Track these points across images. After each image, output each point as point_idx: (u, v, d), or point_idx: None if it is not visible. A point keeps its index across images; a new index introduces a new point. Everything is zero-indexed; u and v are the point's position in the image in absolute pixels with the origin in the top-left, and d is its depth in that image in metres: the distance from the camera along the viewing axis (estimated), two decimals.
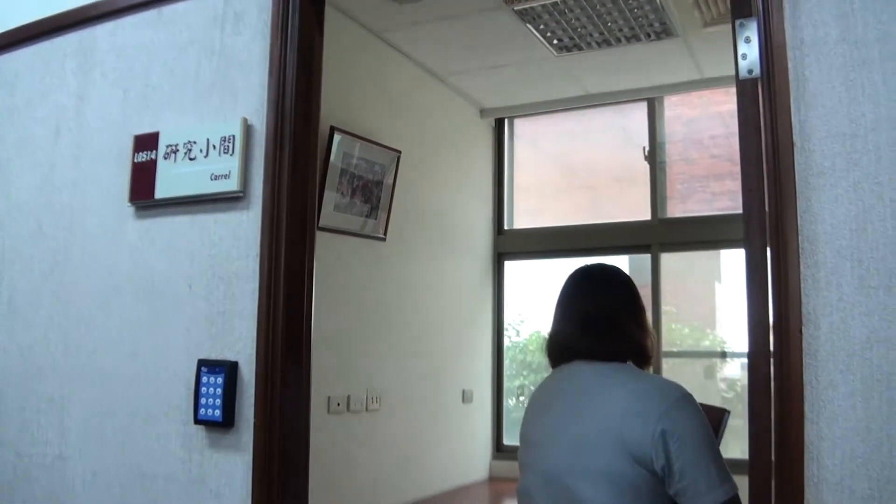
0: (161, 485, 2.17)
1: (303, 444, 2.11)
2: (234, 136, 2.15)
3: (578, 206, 5.51)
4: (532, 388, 5.26)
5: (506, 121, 5.59)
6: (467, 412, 4.89)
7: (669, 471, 1.65)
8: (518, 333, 5.56)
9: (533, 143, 5.69)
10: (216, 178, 2.16)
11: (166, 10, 2.39)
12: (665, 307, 4.97)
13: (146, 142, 2.30)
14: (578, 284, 2.11)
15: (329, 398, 3.70)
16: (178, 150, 2.23)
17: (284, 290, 2.07)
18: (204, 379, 2.10)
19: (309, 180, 2.17)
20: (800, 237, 1.54)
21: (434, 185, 4.76)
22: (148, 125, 2.34)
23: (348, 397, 3.82)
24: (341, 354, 3.79)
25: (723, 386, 4.95)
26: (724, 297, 5.02)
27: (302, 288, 2.12)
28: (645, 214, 5.07)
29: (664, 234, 5.00)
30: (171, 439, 2.18)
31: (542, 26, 4.00)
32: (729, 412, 2.09)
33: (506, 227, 5.52)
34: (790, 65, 1.58)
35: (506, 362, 5.43)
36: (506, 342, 5.46)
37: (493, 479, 5.12)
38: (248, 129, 2.16)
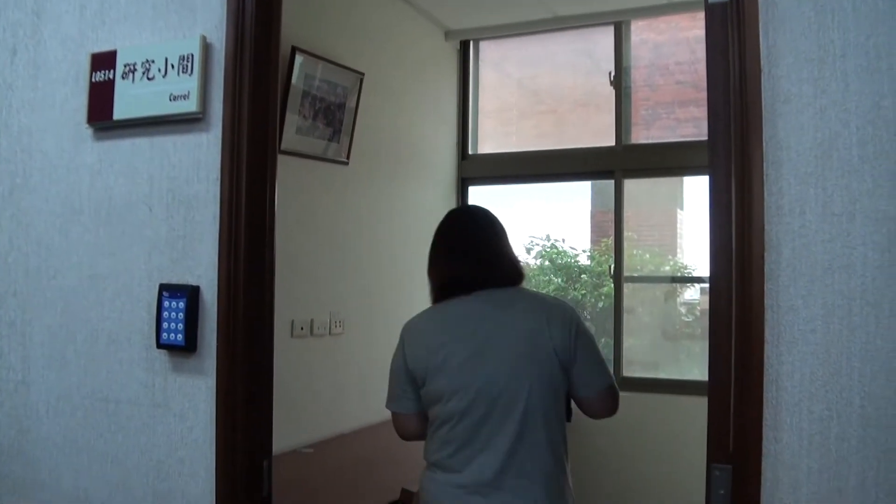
0: (125, 409, 2.17)
1: (266, 368, 2.11)
2: (192, 55, 2.08)
3: (543, 131, 5.48)
4: None
5: (471, 43, 5.51)
6: None
7: (574, 364, 2.09)
8: None
9: (498, 67, 5.63)
10: (175, 98, 2.10)
11: None
12: (627, 233, 5.01)
13: (103, 60, 2.22)
14: (465, 225, 2.34)
15: (292, 322, 3.71)
16: (135, 70, 2.17)
17: (246, 214, 2.04)
18: (166, 303, 2.09)
19: (270, 102, 2.12)
20: (764, 163, 1.54)
21: (398, 109, 4.70)
22: (105, 43, 2.26)
23: (311, 321, 3.83)
24: (305, 279, 3.78)
25: (682, 310, 5.04)
26: (686, 223, 5.08)
27: (264, 212, 2.09)
28: (609, 140, 5.06)
29: (628, 160, 5.00)
30: (133, 364, 2.17)
31: None
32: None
33: (470, 152, 5.49)
34: None
35: None
36: None
37: None
38: (206, 48, 2.09)
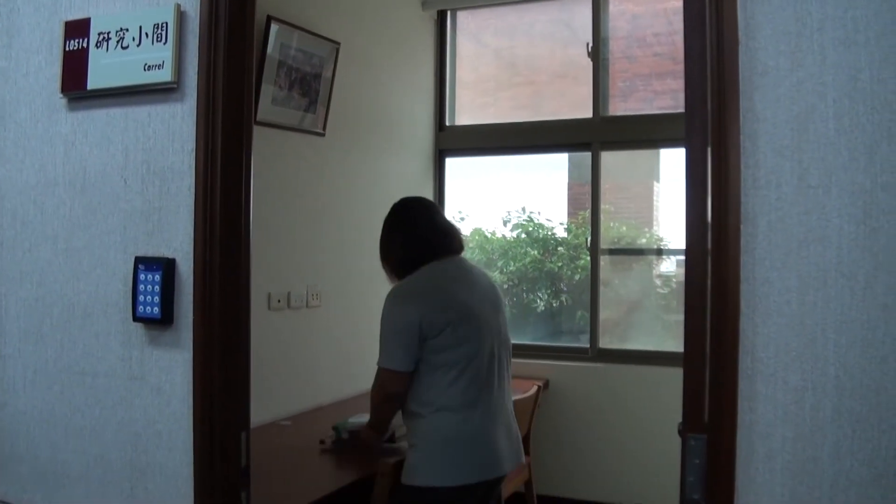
0: (101, 382, 2.16)
1: (243, 341, 2.11)
2: (167, 24, 2.05)
3: (520, 102, 5.47)
4: None
5: (448, 13, 5.46)
6: None
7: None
8: None
9: (475, 37, 5.59)
10: (149, 67, 2.07)
11: None
12: (604, 205, 5.03)
13: (77, 28, 2.19)
14: (418, 206, 2.96)
15: (269, 295, 3.70)
16: (109, 38, 2.13)
17: (221, 185, 2.02)
18: (141, 276, 2.07)
19: (245, 71, 2.10)
20: (741, 136, 1.55)
21: (374, 80, 4.66)
22: (79, 10, 2.22)
23: (289, 294, 3.82)
24: (282, 251, 3.77)
25: (658, 282, 5.07)
26: (663, 195, 5.10)
27: (240, 183, 2.08)
28: (586, 112, 5.06)
29: (605, 132, 5.00)
30: (109, 337, 2.16)
31: None
32: None
33: (447, 124, 5.47)
34: None
35: None
36: None
37: None
38: (181, 16, 2.06)
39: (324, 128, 4.08)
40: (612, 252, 5.07)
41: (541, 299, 5.31)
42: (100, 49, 2.15)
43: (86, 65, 2.17)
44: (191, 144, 2.05)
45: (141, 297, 2.07)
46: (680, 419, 1.64)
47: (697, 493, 1.58)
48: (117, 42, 2.12)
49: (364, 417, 3.05)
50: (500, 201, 5.49)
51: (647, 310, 5.08)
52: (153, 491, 2.10)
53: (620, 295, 5.11)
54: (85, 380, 2.19)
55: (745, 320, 1.54)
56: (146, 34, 2.08)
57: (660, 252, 5.07)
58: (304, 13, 3.85)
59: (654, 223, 5.14)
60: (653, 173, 5.21)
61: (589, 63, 5.03)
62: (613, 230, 5.13)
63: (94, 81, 2.16)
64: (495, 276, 5.33)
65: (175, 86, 2.07)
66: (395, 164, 4.91)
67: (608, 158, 5.05)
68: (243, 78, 2.09)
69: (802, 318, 1.49)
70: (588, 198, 5.06)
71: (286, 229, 3.81)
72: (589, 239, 5.01)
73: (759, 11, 1.54)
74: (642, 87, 5.04)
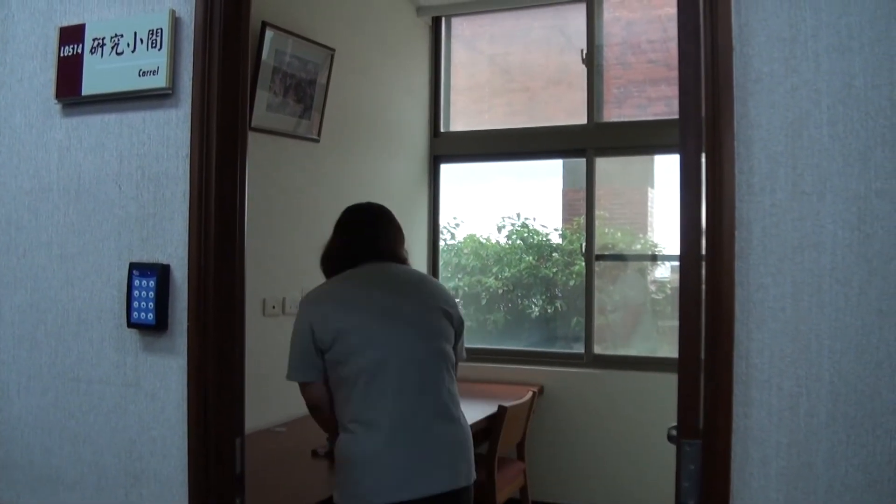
0: (96, 388, 2.15)
1: (237, 347, 2.10)
2: (161, 30, 2.05)
3: (515, 108, 5.48)
4: (466, 289, 5.33)
5: (443, 20, 5.48)
6: None
7: (459, 331, 2.60)
8: (453, 236, 5.59)
9: (470, 43, 5.60)
10: (144, 73, 2.07)
11: None
12: (598, 211, 5.04)
13: (72, 34, 2.18)
14: (358, 213, 2.82)
15: (264, 301, 3.69)
16: (104, 44, 2.13)
17: (216, 191, 2.02)
18: (136, 282, 2.07)
19: (240, 77, 2.10)
20: (735, 142, 1.55)
21: (369, 86, 4.67)
22: (73, 16, 2.22)
23: (283, 300, 3.82)
24: (276, 257, 3.77)
25: (653, 288, 5.08)
26: (657, 201, 5.11)
27: (234, 189, 2.07)
28: (581, 118, 5.07)
29: (599, 139, 5.02)
30: (104, 343, 2.15)
31: None
32: None
33: (442, 130, 5.48)
34: None
35: (440, 265, 5.47)
36: (441, 245, 5.49)
37: None
38: (176, 22, 2.06)
39: (318, 134, 4.08)
40: (606, 258, 5.08)
41: (535, 305, 5.32)
42: (94, 55, 2.15)
43: (80, 71, 2.16)
44: (185, 150, 2.05)
45: (135, 303, 2.06)
46: (672, 425, 1.65)
47: (692, 498, 1.58)
48: (112, 48, 2.12)
49: None
50: (495, 207, 5.50)
51: (642, 315, 5.09)
52: (147, 497, 2.09)
53: (615, 301, 5.12)
54: (79, 386, 2.18)
55: (739, 326, 1.54)
56: (141, 40, 2.08)
57: (654, 258, 5.08)
58: (298, 20, 3.86)
59: (649, 229, 5.15)
60: (647, 179, 5.22)
61: (583, 69, 5.04)
62: (608, 236, 5.14)
63: (88, 87, 2.16)
64: (490, 282, 5.33)
65: (170, 92, 2.07)
66: (389, 170, 4.91)
67: (603, 164, 5.07)
68: (238, 84, 2.09)
69: (797, 324, 1.49)
70: (583, 204, 5.07)
71: (281, 235, 3.81)
72: (584, 245, 5.02)
73: (754, 18, 1.55)
74: (637, 94, 5.05)
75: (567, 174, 5.41)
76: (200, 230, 2.01)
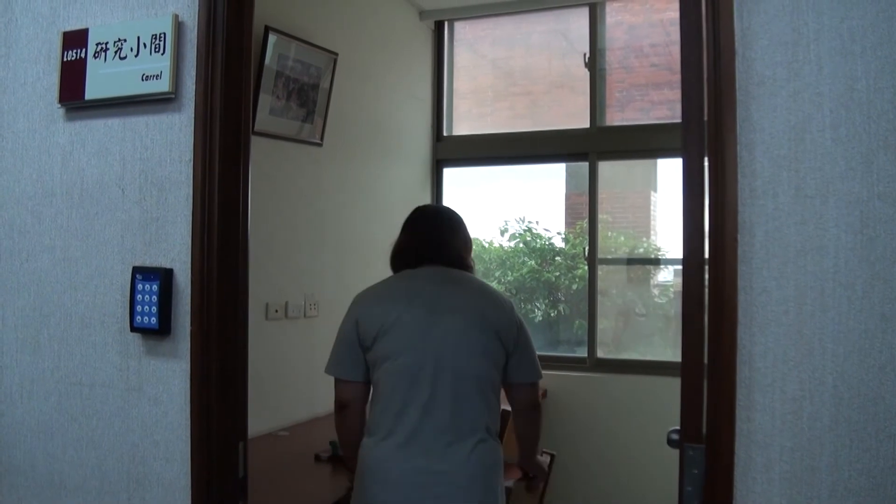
0: (98, 392, 2.16)
1: (240, 351, 2.10)
2: (164, 34, 2.06)
3: (517, 112, 5.48)
4: None
5: (446, 24, 5.48)
6: None
7: (514, 350, 2.39)
8: None
9: (473, 47, 5.61)
10: (147, 78, 2.07)
11: None
12: (601, 215, 5.03)
13: (75, 39, 2.19)
14: (427, 214, 2.69)
15: (267, 305, 3.69)
16: (107, 49, 2.13)
17: (219, 195, 2.02)
18: (139, 286, 2.07)
19: (243, 82, 2.10)
20: (738, 146, 1.55)
21: (372, 90, 4.67)
22: (77, 21, 2.23)
23: (286, 304, 3.82)
24: (279, 261, 3.77)
25: (655, 292, 5.08)
26: (660, 205, 5.10)
27: (237, 194, 2.08)
28: (583, 122, 5.07)
29: (602, 142, 5.02)
30: (107, 347, 2.15)
31: None
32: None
33: (445, 134, 5.48)
34: None
35: None
36: None
37: None
38: (179, 27, 2.07)
39: (321, 138, 4.08)
40: (609, 262, 5.08)
41: (538, 309, 5.31)
42: (98, 59, 2.15)
43: (84, 75, 2.17)
44: (188, 154, 2.05)
45: (138, 308, 2.07)
46: (671, 429, 1.65)
47: (696, 502, 1.58)
48: (115, 52, 2.12)
49: None
50: (498, 211, 5.50)
51: (645, 319, 5.08)
52: (150, 501, 2.09)
53: (618, 304, 5.11)
54: (82, 390, 2.18)
55: (742, 330, 1.53)
56: (144, 45, 2.08)
57: (657, 261, 5.07)
58: (301, 24, 3.86)
59: (652, 233, 5.15)
60: (650, 183, 5.22)
61: (586, 73, 5.04)
62: (611, 240, 5.13)
63: (91, 92, 2.16)
64: (493, 285, 5.33)
65: (173, 96, 2.07)
66: (392, 174, 4.91)
67: (605, 168, 5.06)
68: (241, 88, 2.09)
69: (800, 328, 1.49)
70: (585, 207, 5.07)
71: (284, 239, 3.81)
72: (587, 248, 5.02)
73: (756, 22, 1.55)
74: (639, 98, 5.05)
75: (570, 178, 5.42)
76: (203, 234, 2.01)
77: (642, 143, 4.91)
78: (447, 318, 2.33)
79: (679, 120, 1.66)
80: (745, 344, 1.53)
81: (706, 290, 1.58)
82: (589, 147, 5.03)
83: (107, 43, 2.14)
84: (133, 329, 2.09)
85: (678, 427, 1.64)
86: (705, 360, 1.57)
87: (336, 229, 4.25)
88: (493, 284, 5.30)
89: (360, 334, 2.36)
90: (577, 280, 5.17)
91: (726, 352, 1.53)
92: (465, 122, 5.55)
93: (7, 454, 2.29)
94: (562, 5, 5.15)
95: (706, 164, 1.59)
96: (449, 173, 5.49)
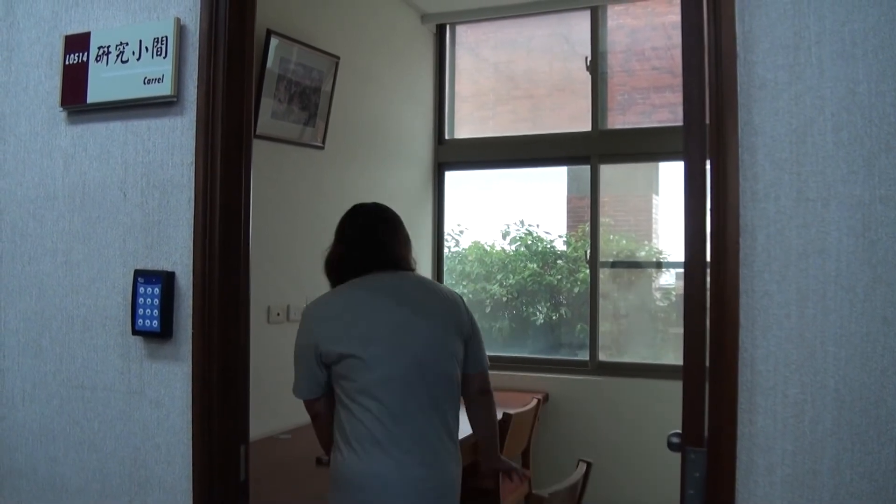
0: (100, 395, 2.16)
1: (242, 354, 2.11)
2: (166, 38, 2.06)
3: (519, 116, 5.48)
4: (471, 296, 5.32)
5: (447, 27, 5.48)
6: None
7: (470, 344, 2.43)
8: (458, 244, 5.59)
9: (474, 51, 5.61)
10: (149, 81, 2.08)
11: None
12: (603, 218, 5.03)
13: (77, 42, 2.19)
14: (360, 216, 2.60)
15: (269, 308, 3.69)
16: (109, 52, 2.14)
17: (221, 199, 2.02)
18: (141, 289, 2.07)
19: (244, 85, 2.11)
20: (739, 149, 1.55)
21: (373, 93, 4.68)
22: (78, 24, 2.23)
23: (288, 307, 3.82)
24: (280, 264, 3.77)
25: (658, 295, 5.07)
26: (662, 208, 5.10)
27: (239, 197, 2.08)
28: (585, 125, 5.07)
29: (604, 146, 5.02)
30: (109, 350, 2.15)
31: None
32: None
33: (446, 137, 5.48)
34: None
35: (445, 272, 5.47)
36: (445, 252, 5.49)
37: None
38: (181, 30, 2.07)
39: (323, 141, 4.08)
40: (611, 265, 5.07)
41: (540, 312, 5.31)
42: (100, 63, 2.15)
43: (86, 79, 2.17)
44: (190, 158, 2.05)
45: (140, 311, 2.07)
46: (672, 432, 1.65)
47: None
48: (117, 56, 2.13)
49: None
50: (500, 214, 5.49)
51: (647, 323, 5.08)
52: None
53: (620, 308, 5.11)
54: (84, 393, 2.18)
55: (744, 333, 1.53)
56: (146, 48, 2.09)
57: (659, 265, 5.07)
58: (303, 27, 3.87)
59: (654, 236, 5.14)
60: (652, 186, 5.21)
61: (587, 77, 5.04)
62: (613, 243, 5.13)
63: (93, 95, 2.17)
64: (494, 289, 5.33)
65: (175, 99, 2.07)
66: (394, 177, 4.91)
67: (607, 171, 5.06)
68: (243, 91, 2.09)
69: (802, 331, 1.49)
70: (587, 211, 5.07)
71: (285, 242, 3.81)
72: (588, 252, 5.01)
73: (757, 25, 1.55)
74: (641, 101, 5.05)
75: (571, 181, 5.41)
76: (205, 237, 2.01)
77: (644, 146, 4.91)
78: (419, 324, 2.31)
79: (680, 123, 1.66)
80: (746, 347, 1.53)
81: (708, 294, 1.58)
82: (590, 150, 5.03)
83: (109, 46, 2.14)
84: (135, 332, 2.09)
85: (679, 430, 1.64)
86: (707, 364, 1.57)
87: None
88: (495, 288, 5.31)
89: (321, 351, 2.28)
90: (578, 283, 5.17)
91: (728, 355, 1.53)
92: (466, 126, 5.55)
93: (9, 457, 2.29)
94: (563, 9, 5.15)
95: (708, 167, 1.59)
96: (450, 177, 5.49)
